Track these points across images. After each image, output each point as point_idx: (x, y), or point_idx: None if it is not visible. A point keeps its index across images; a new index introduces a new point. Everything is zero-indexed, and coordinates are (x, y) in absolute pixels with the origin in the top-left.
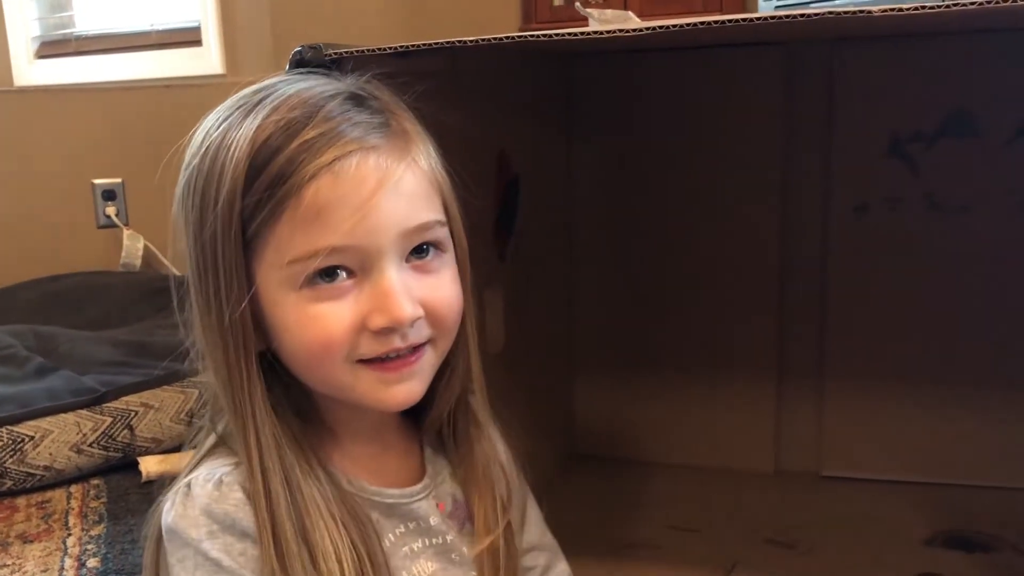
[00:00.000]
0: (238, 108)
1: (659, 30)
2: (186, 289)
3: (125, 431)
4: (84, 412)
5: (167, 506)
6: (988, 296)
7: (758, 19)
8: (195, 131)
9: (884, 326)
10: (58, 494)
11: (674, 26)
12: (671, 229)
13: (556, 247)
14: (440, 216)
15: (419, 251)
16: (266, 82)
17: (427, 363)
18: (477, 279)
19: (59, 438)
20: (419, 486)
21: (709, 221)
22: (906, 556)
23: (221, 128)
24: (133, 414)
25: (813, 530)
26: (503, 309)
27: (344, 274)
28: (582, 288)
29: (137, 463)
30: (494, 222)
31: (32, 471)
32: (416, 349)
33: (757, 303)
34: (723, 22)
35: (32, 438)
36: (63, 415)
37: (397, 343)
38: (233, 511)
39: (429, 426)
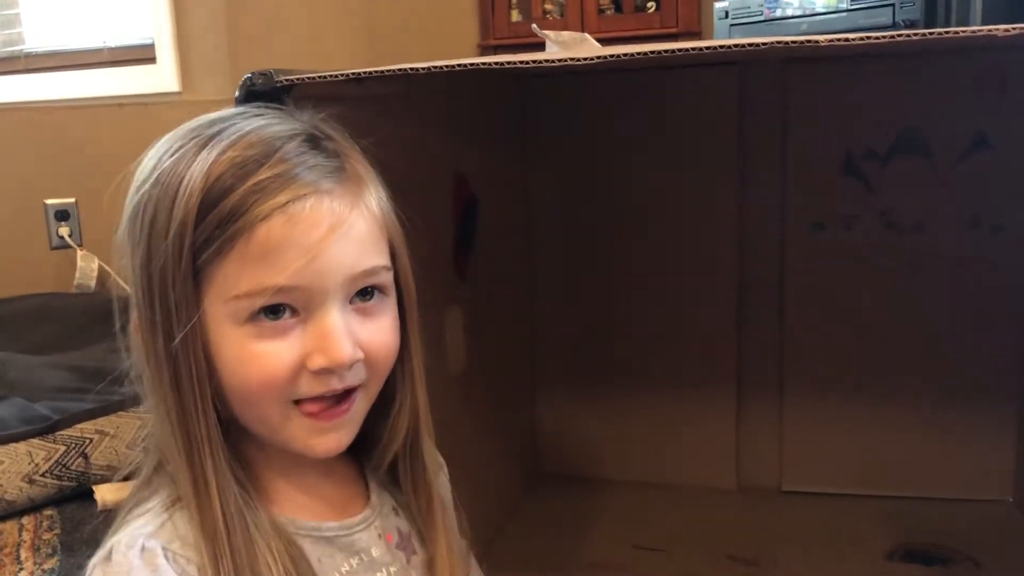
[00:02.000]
0: (193, 139)
1: (611, 58)
2: (128, 314)
3: (79, 459)
4: (36, 441)
5: (89, 574)
6: (943, 311)
7: (708, 48)
8: (145, 155)
9: (842, 342)
10: (9, 526)
11: (626, 55)
12: (629, 247)
13: (516, 267)
14: (386, 261)
15: (363, 294)
16: (221, 114)
17: (357, 411)
18: (438, 300)
19: (10, 468)
20: (359, 517)
21: (667, 239)
22: (868, 570)
23: (174, 157)
24: (87, 442)
25: (775, 545)
26: (463, 329)
27: (288, 312)
28: (542, 308)
29: (92, 492)
30: (453, 243)
31: None
32: (348, 395)
33: (716, 320)
34: (675, 51)
35: None
36: (14, 444)
37: (334, 384)
38: None
39: (375, 464)
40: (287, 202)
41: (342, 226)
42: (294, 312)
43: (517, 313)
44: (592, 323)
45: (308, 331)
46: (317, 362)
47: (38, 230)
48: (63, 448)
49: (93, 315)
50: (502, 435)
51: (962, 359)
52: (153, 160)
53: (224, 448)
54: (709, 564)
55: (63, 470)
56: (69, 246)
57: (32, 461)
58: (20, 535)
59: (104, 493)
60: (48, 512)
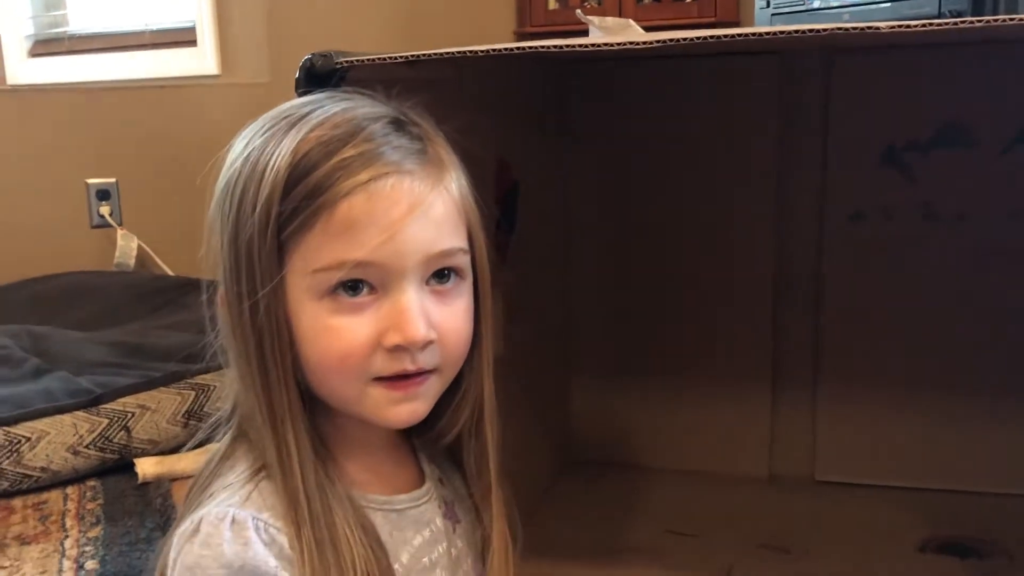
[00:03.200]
0: (284, 119)
1: (657, 44)
2: (214, 289)
3: (122, 433)
4: (81, 413)
5: (175, 549)
6: (983, 303)
7: (755, 35)
8: (237, 137)
9: (879, 332)
10: (54, 495)
11: (671, 40)
12: (667, 235)
13: (553, 253)
14: (464, 244)
15: (440, 276)
16: (311, 97)
17: (432, 387)
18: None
19: (56, 439)
20: (423, 488)
21: (705, 227)
22: (900, 561)
23: (264, 136)
24: (130, 415)
25: (808, 535)
26: (503, 314)
27: (366, 289)
28: (579, 294)
29: (133, 465)
30: (494, 227)
31: (29, 472)
32: (423, 373)
33: (753, 309)
34: (721, 37)
35: (29, 439)
36: (60, 416)
37: (407, 365)
38: (251, 558)
39: (427, 443)
40: (369, 180)
41: (421, 205)
42: (372, 289)
43: (553, 299)
44: (627, 310)
45: (384, 308)
46: (391, 339)
47: (79, 209)
48: (106, 421)
49: (132, 293)
50: (537, 420)
51: (1000, 351)
52: (244, 141)
53: (305, 419)
54: (741, 551)
55: (106, 442)
56: (109, 225)
57: (76, 433)
58: (65, 504)
59: (145, 466)
60: (91, 483)
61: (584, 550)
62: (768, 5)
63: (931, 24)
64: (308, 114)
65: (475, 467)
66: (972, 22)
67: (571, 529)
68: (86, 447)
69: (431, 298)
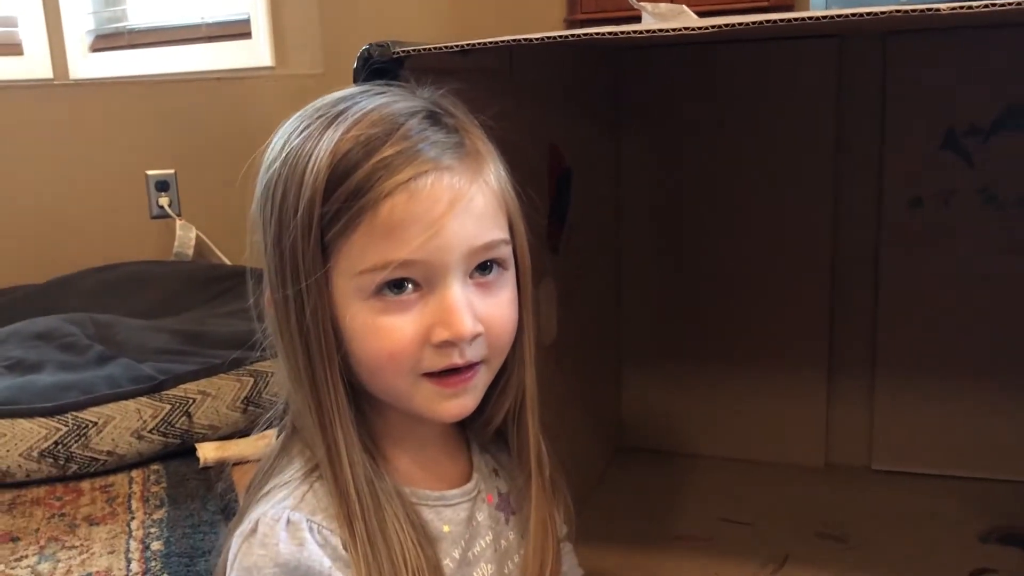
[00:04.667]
0: (319, 117)
1: (713, 29)
2: (261, 291)
3: (183, 418)
4: (144, 399)
5: (234, 548)
6: None
7: (810, 19)
8: (274, 135)
9: (936, 320)
10: (120, 478)
11: (727, 25)
12: (720, 221)
13: (606, 240)
14: (505, 235)
15: (483, 268)
16: (346, 92)
17: (480, 380)
18: (532, 272)
19: (121, 424)
20: (471, 484)
21: (760, 214)
22: (960, 552)
23: (302, 136)
24: (191, 401)
25: (864, 524)
26: (556, 301)
27: (411, 287)
28: (631, 281)
29: (195, 449)
30: (547, 215)
31: (96, 456)
32: (472, 366)
33: (808, 296)
34: (777, 21)
35: (95, 424)
36: (124, 402)
37: (456, 359)
38: (306, 558)
39: (477, 431)
40: (409, 179)
41: (462, 201)
42: (417, 287)
43: (606, 287)
44: (680, 298)
45: (430, 305)
46: (439, 335)
47: (139, 200)
48: (168, 407)
49: (191, 282)
50: (589, 408)
51: None
52: (282, 140)
53: (353, 417)
54: (797, 539)
55: (168, 427)
56: (168, 215)
57: (140, 418)
58: (130, 487)
59: (206, 451)
60: (155, 467)
61: (638, 538)
62: None
63: (993, 4)
64: (344, 111)
65: (518, 455)
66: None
67: (624, 517)
68: (150, 432)
69: (475, 291)
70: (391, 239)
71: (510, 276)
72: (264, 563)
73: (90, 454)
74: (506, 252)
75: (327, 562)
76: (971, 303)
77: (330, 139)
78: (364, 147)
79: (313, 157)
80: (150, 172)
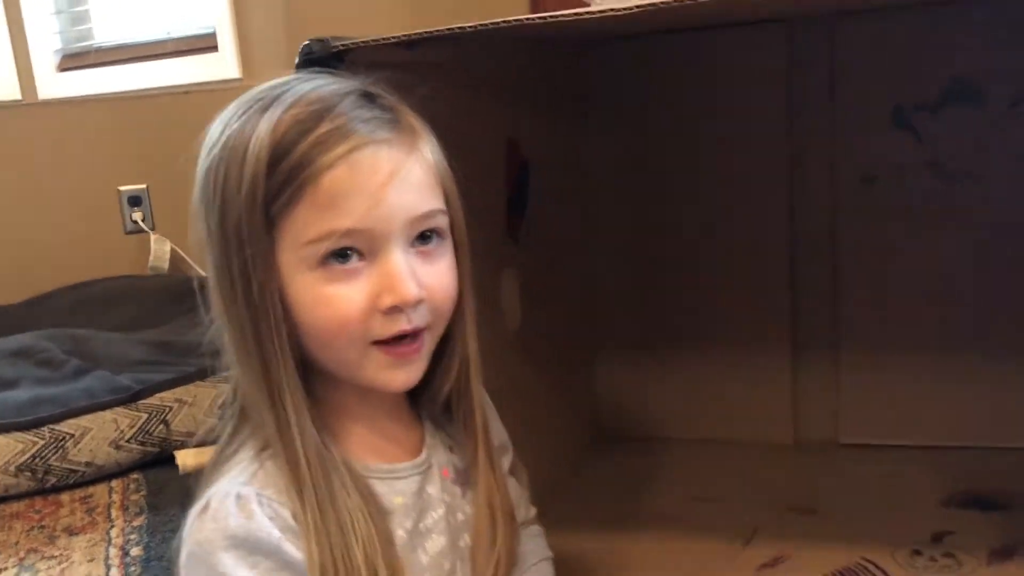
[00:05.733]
0: (257, 102)
1: (649, 7)
2: (206, 280)
3: (161, 426)
4: (121, 409)
5: (188, 525)
6: (998, 261)
7: None
8: (212, 125)
9: (896, 294)
10: (100, 489)
11: (663, 3)
12: (682, 207)
13: (571, 229)
14: (442, 206)
15: (423, 238)
16: (280, 80)
17: (426, 347)
18: (492, 262)
19: (98, 435)
20: (421, 456)
21: (720, 198)
22: (923, 517)
23: (241, 120)
24: (168, 410)
25: (833, 496)
26: (519, 290)
27: (355, 256)
28: (599, 269)
29: (174, 457)
30: (506, 206)
31: (74, 467)
32: (418, 334)
33: (770, 277)
34: None
35: (73, 436)
36: (101, 413)
37: (403, 325)
38: (255, 529)
39: (426, 404)
40: (348, 151)
41: (401, 171)
42: (361, 256)
43: (574, 275)
44: (648, 284)
45: (375, 273)
46: (386, 301)
47: (113, 216)
48: (145, 416)
49: (167, 295)
50: (562, 395)
51: (1016, 308)
52: (220, 126)
53: (302, 390)
54: (768, 514)
55: (146, 436)
56: (143, 230)
57: (118, 428)
58: (110, 496)
59: (185, 458)
60: (134, 476)
61: (611, 520)
62: None
63: None
64: (281, 95)
65: (464, 424)
66: None
67: (598, 501)
68: (127, 441)
69: (417, 259)
70: (334, 210)
71: (448, 246)
72: (215, 536)
73: (68, 466)
74: (444, 222)
75: (276, 533)
76: (926, 277)
77: (269, 120)
78: (302, 125)
79: (254, 139)
80: (122, 188)
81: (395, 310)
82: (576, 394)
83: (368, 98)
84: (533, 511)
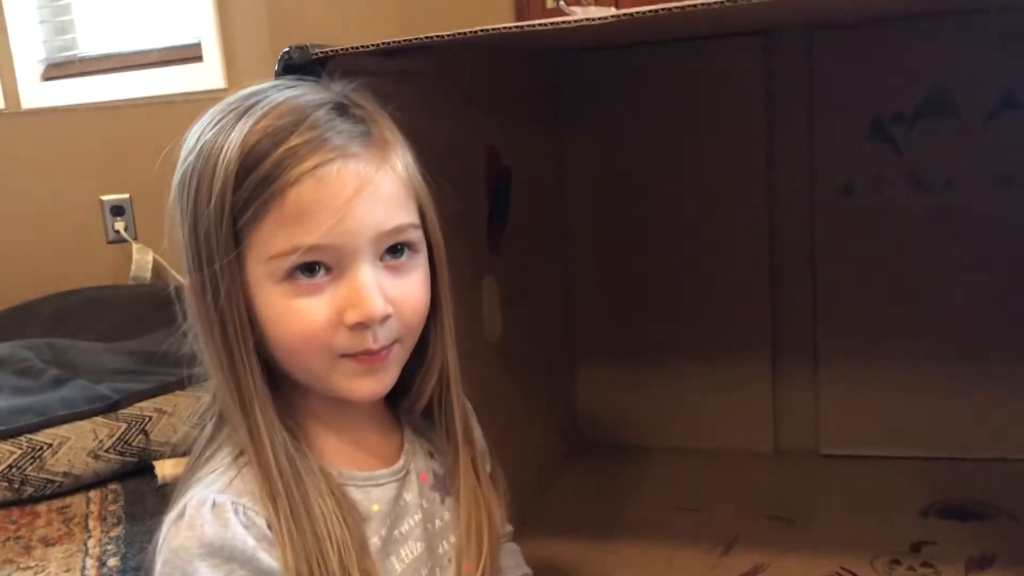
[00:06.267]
0: (231, 111)
1: (624, 17)
2: (183, 286)
3: (140, 436)
4: (100, 419)
5: (163, 532)
6: (975, 270)
7: (721, 2)
8: (190, 131)
9: (874, 303)
10: (77, 499)
11: (638, 13)
12: (662, 217)
13: (551, 238)
14: (414, 219)
15: (394, 251)
16: (258, 87)
17: (395, 359)
18: (472, 271)
19: (76, 445)
20: (399, 463)
21: (699, 207)
22: (903, 526)
23: (215, 129)
24: (147, 419)
25: (812, 505)
26: (499, 299)
27: (322, 270)
28: (579, 278)
29: (153, 467)
30: (486, 215)
31: (52, 477)
32: (386, 348)
33: (750, 286)
34: (697, 5)
35: (50, 446)
36: (79, 423)
37: (369, 342)
38: (230, 538)
39: (406, 412)
40: (316, 166)
41: (368, 186)
42: (328, 270)
43: (553, 283)
44: (628, 293)
45: (341, 288)
46: (351, 316)
47: (95, 225)
48: (125, 425)
49: (149, 304)
50: (543, 403)
51: (994, 317)
52: (196, 134)
53: (271, 398)
54: (747, 523)
55: (125, 446)
56: (125, 240)
57: (96, 438)
58: (88, 507)
59: (164, 468)
60: (112, 486)
61: (592, 529)
62: None
63: None
64: (254, 105)
65: (446, 432)
66: None
67: (579, 510)
68: (106, 451)
69: (386, 273)
70: (299, 225)
71: (421, 259)
72: (190, 544)
73: (46, 476)
74: (416, 236)
75: (251, 541)
76: (904, 286)
77: (241, 130)
78: (273, 137)
79: (225, 148)
80: (105, 197)
81: (361, 326)
82: (556, 403)
83: (342, 110)
84: (509, 528)
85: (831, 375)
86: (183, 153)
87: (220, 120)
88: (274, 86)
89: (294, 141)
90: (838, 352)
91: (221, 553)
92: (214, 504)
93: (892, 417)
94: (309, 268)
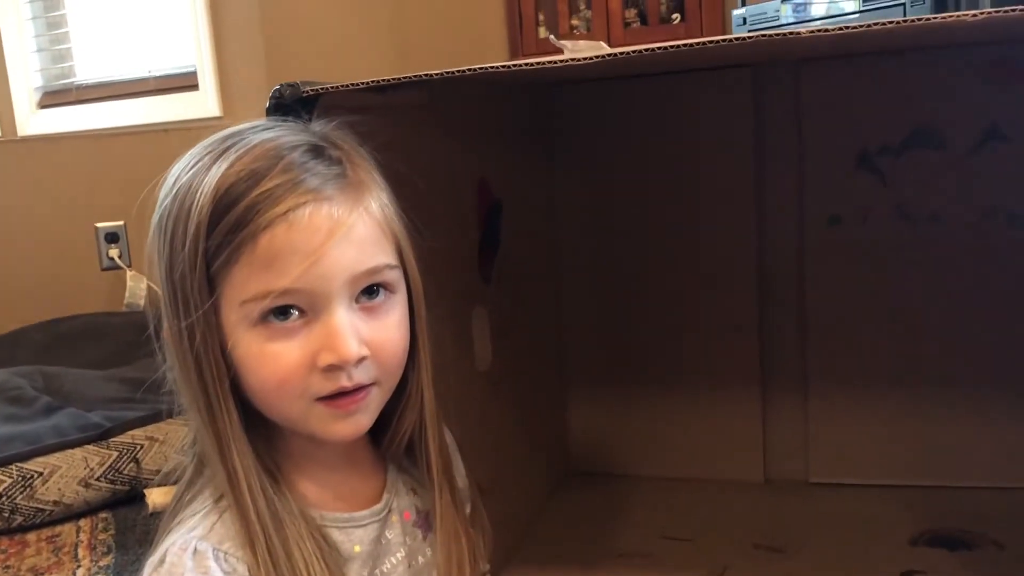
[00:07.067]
0: (208, 153)
1: (609, 58)
2: (159, 324)
3: (131, 464)
4: (91, 447)
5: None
6: (960, 301)
7: (711, 42)
8: (168, 172)
9: (862, 333)
10: (67, 528)
11: (634, 52)
12: (652, 247)
13: (542, 268)
14: (391, 260)
15: (369, 292)
16: (236, 128)
17: (373, 400)
18: (463, 300)
19: (67, 473)
20: (380, 504)
21: (688, 238)
22: (891, 555)
23: (191, 172)
24: (139, 447)
25: (802, 534)
26: (490, 329)
27: (296, 313)
28: (570, 307)
29: (144, 495)
30: (478, 246)
31: (42, 506)
32: (362, 387)
33: (739, 316)
34: (682, 46)
35: (41, 474)
36: (71, 451)
37: (344, 382)
38: None
39: (386, 450)
40: (288, 210)
41: (341, 229)
42: (302, 313)
43: (544, 314)
44: (618, 323)
45: (316, 331)
46: (325, 359)
47: (90, 252)
48: (116, 454)
49: (143, 332)
50: (533, 432)
51: (982, 347)
52: (174, 176)
53: (247, 442)
54: (736, 552)
55: (116, 474)
56: (119, 267)
57: (88, 466)
58: (78, 536)
59: (155, 496)
60: (103, 515)
61: (581, 558)
62: (745, 23)
63: (871, 25)
64: (230, 147)
65: (427, 471)
66: (884, 23)
67: (568, 539)
68: (97, 479)
69: (361, 315)
70: (271, 269)
71: (399, 299)
72: None
73: (36, 505)
74: (392, 276)
75: None
76: (891, 316)
77: (215, 174)
78: (247, 181)
79: (199, 191)
80: (99, 225)
81: (334, 368)
82: (546, 432)
83: (317, 152)
84: (487, 566)
85: (820, 404)
86: (160, 195)
87: (196, 163)
88: (252, 127)
89: (267, 184)
90: (827, 382)
91: None
92: (195, 551)
93: (881, 446)
94: (282, 311)
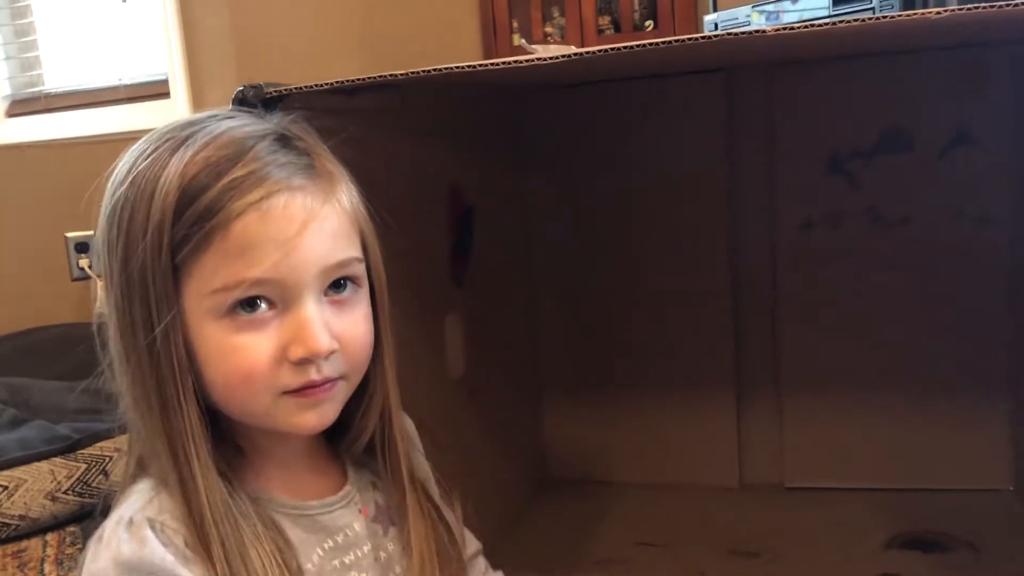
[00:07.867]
0: (167, 141)
1: (575, 56)
2: (105, 318)
3: (100, 476)
4: (58, 460)
5: (84, 555)
6: (934, 303)
7: (677, 41)
8: (119, 161)
9: (836, 337)
10: (34, 543)
11: (599, 51)
12: (625, 252)
13: (515, 274)
14: (358, 253)
15: (337, 286)
16: (194, 117)
17: (339, 392)
18: (436, 306)
19: (33, 487)
20: (339, 495)
21: (661, 242)
22: (866, 559)
23: (150, 159)
24: (108, 459)
25: (777, 539)
26: (462, 334)
27: (265, 305)
28: (544, 314)
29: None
30: (450, 251)
31: (7, 521)
32: (330, 380)
33: (713, 321)
34: (648, 45)
35: (6, 488)
36: (37, 464)
37: (313, 375)
38: (147, 555)
39: (347, 448)
40: (261, 199)
41: (315, 220)
42: (271, 305)
43: (518, 319)
44: (592, 328)
45: (285, 323)
46: (296, 352)
47: (60, 263)
48: (84, 466)
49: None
50: (507, 439)
51: (954, 350)
52: (128, 163)
53: (207, 441)
54: (711, 558)
55: (85, 487)
56: (90, 277)
57: (55, 479)
58: (44, 551)
59: None
60: (71, 528)
61: (557, 563)
62: (716, 28)
63: (841, 22)
64: (192, 135)
65: (390, 474)
66: (849, 22)
67: (544, 546)
68: (64, 493)
69: (330, 308)
70: (243, 259)
71: (364, 294)
72: (107, 565)
73: (1, 520)
74: (360, 270)
75: (170, 558)
76: (864, 320)
77: (179, 161)
78: (213, 169)
79: (162, 180)
80: (70, 234)
81: (305, 361)
82: (521, 438)
83: (284, 141)
84: (477, 544)
85: (795, 409)
86: (112, 183)
87: (156, 150)
88: (212, 116)
89: (236, 173)
90: (801, 386)
91: (139, 570)
92: (131, 522)
93: (856, 449)
94: (250, 303)
